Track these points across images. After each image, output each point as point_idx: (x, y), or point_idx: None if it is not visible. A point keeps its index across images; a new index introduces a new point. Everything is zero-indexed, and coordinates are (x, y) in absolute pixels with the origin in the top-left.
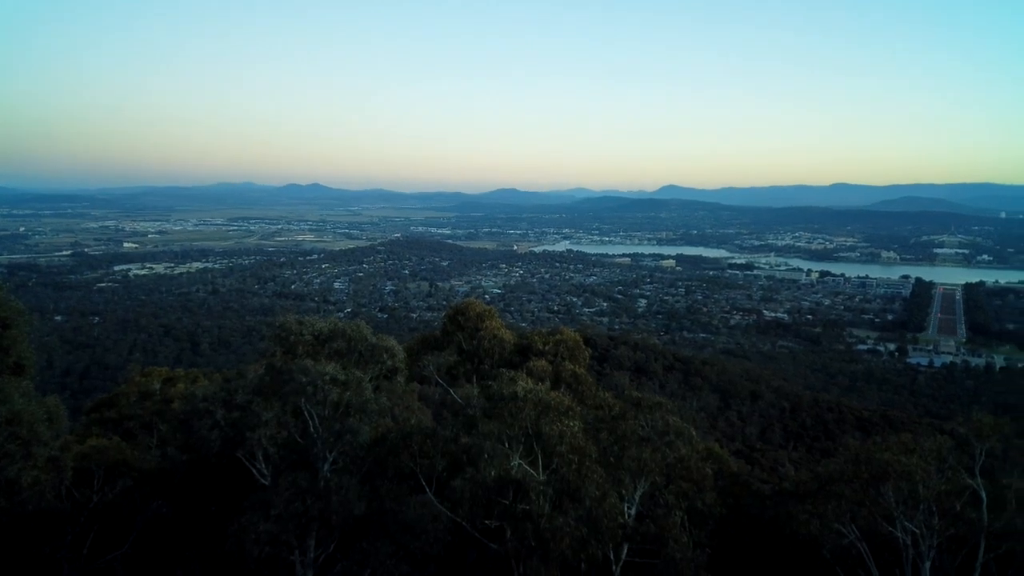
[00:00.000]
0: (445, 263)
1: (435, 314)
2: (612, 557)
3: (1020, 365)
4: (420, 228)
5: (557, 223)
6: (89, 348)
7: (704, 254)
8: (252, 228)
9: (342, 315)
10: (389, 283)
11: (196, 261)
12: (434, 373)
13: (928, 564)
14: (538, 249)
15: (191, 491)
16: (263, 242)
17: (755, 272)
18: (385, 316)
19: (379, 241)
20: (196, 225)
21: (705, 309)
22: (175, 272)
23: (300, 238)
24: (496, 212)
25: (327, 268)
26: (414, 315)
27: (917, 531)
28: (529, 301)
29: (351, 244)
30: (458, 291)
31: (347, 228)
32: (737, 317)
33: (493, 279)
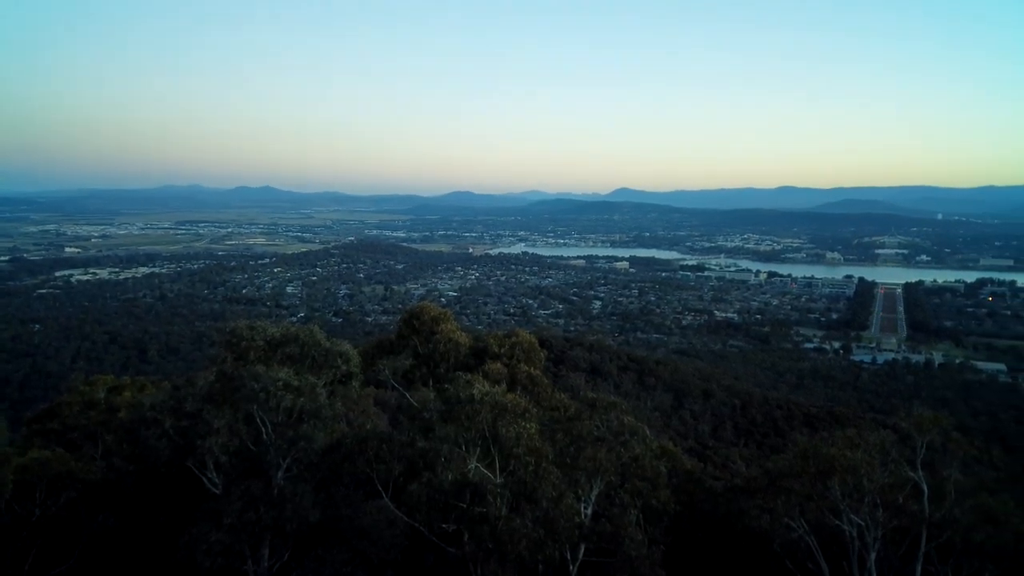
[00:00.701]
0: (400, 266)
1: (390, 318)
2: (569, 557)
3: (957, 361)
4: (374, 231)
5: (512, 225)
6: (29, 357)
7: (657, 256)
8: (201, 231)
9: (295, 320)
10: (343, 287)
11: (142, 266)
12: (389, 377)
13: (873, 555)
14: (494, 251)
15: (139, 502)
16: (213, 246)
17: (706, 273)
18: (340, 320)
19: (333, 244)
20: (142, 229)
21: (658, 310)
22: (120, 277)
23: (251, 241)
24: (451, 215)
25: (279, 272)
26: (369, 319)
27: (863, 523)
28: (485, 304)
29: (304, 247)
30: (413, 294)
31: (299, 231)
32: (689, 318)
33: (449, 282)
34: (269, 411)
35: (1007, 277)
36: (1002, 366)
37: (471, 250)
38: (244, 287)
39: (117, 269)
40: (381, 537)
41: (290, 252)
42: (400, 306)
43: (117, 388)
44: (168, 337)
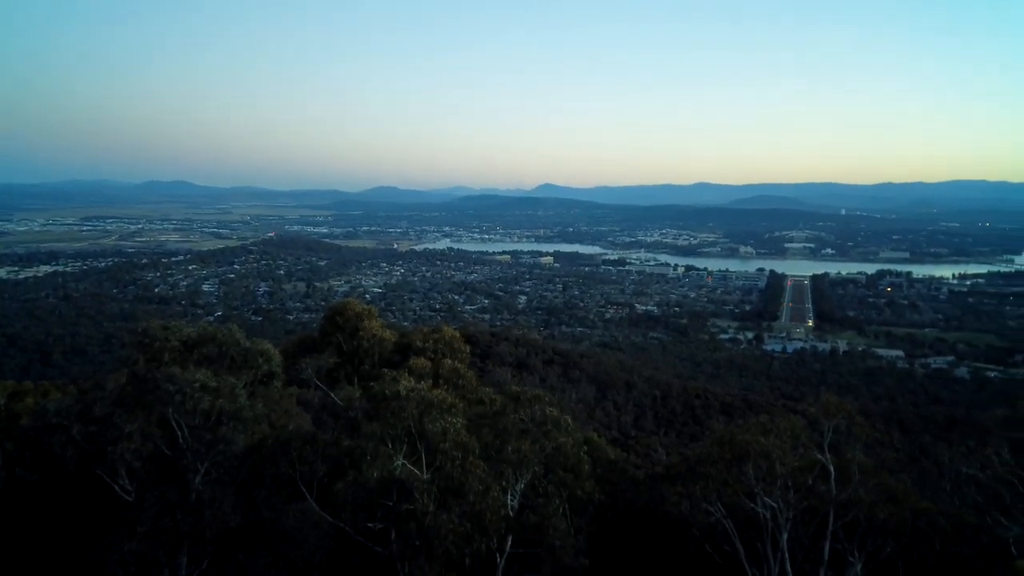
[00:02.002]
0: (323, 263)
1: (313, 315)
2: (496, 550)
3: (860, 349)
4: (295, 227)
5: (438, 221)
6: None
7: (580, 251)
8: (109, 228)
9: (212, 319)
10: (263, 284)
11: (44, 264)
12: (312, 376)
13: (786, 536)
14: (419, 247)
15: (45, 514)
16: (122, 242)
17: (627, 268)
18: (260, 319)
19: (251, 240)
20: (44, 225)
21: (582, 304)
22: (19, 277)
23: (164, 238)
24: (376, 210)
25: (195, 269)
26: (291, 317)
27: (775, 505)
28: (411, 300)
29: (221, 244)
30: (337, 291)
31: (216, 227)
32: (612, 311)
33: (373, 278)
34: (185, 414)
35: (904, 269)
36: (900, 352)
37: (396, 246)
38: (157, 286)
39: (16, 268)
40: (305, 539)
41: (206, 249)
42: (323, 303)
43: (18, 394)
44: (74, 339)
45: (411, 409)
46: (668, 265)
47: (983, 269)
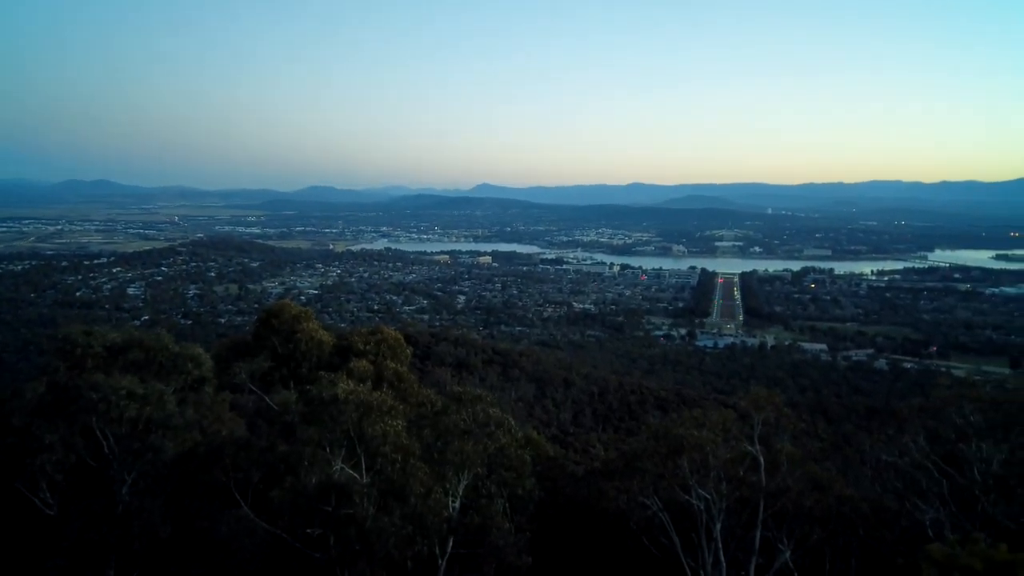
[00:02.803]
0: (256, 264)
1: (246, 318)
2: (438, 552)
3: (786, 343)
4: (226, 227)
5: (375, 221)
6: None
7: (518, 250)
8: (26, 229)
9: (139, 323)
10: (193, 287)
11: None
12: (246, 380)
13: (719, 526)
14: (356, 248)
15: None
16: (40, 244)
17: (564, 267)
18: (189, 322)
19: (180, 241)
20: None
21: (520, 303)
22: None
23: (85, 239)
24: (310, 210)
25: (119, 272)
26: (222, 320)
27: (709, 497)
28: (348, 301)
29: (147, 245)
30: (271, 293)
31: (142, 228)
32: (550, 310)
33: (309, 279)
34: (111, 422)
35: (826, 266)
36: (824, 346)
37: (332, 246)
38: (78, 289)
39: None
40: (241, 548)
41: (131, 250)
42: (256, 306)
43: None
44: None
45: (350, 412)
46: (604, 264)
47: (899, 265)
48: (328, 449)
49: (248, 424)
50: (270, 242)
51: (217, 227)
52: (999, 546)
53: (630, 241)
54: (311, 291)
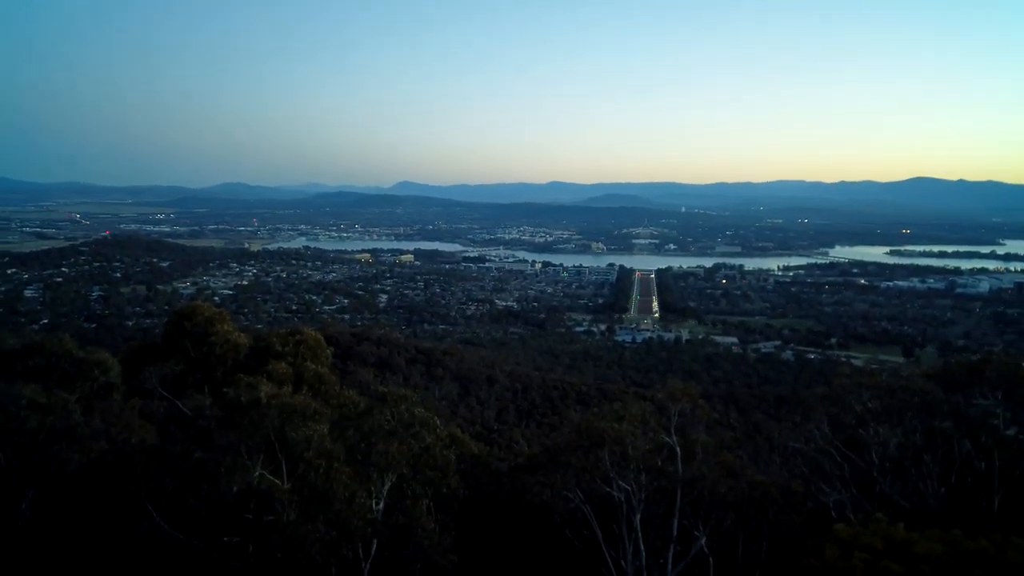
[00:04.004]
0: (165, 264)
1: (156, 321)
2: (362, 555)
3: (700, 337)
4: (133, 225)
5: (292, 219)
6: None
7: (440, 248)
8: None
9: (38, 327)
10: (97, 288)
11: None
12: (158, 386)
13: (639, 516)
14: (273, 246)
15: None
16: None
17: (487, 264)
18: (94, 326)
19: (82, 240)
20: None
21: (443, 301)
22: None
23: None
24: (223, 207)
25: (14, 273)
26: (130, 323)
27: (629, 488)
28: (265, 302)
29: (45, 244)
30: (183, 294)
31: (39, 226)
32: (473, 308)
33: (223, 279)
34: (10, 434)
35: (736, 262)
36: (735, 339)
37: (247, 245)
38: None
39: None
40: (153, 561)
41: (27, 250)
42: (167, 308)
43: None
44: None
45: (271, 417)
46: (526, 262)
47: (803, 261)
48: (247, 455)
49: (160, 432)
50: (181, 241)
51: (123, 225)
52: (897, 525)
53: (551, 239)
54: (225, 291)
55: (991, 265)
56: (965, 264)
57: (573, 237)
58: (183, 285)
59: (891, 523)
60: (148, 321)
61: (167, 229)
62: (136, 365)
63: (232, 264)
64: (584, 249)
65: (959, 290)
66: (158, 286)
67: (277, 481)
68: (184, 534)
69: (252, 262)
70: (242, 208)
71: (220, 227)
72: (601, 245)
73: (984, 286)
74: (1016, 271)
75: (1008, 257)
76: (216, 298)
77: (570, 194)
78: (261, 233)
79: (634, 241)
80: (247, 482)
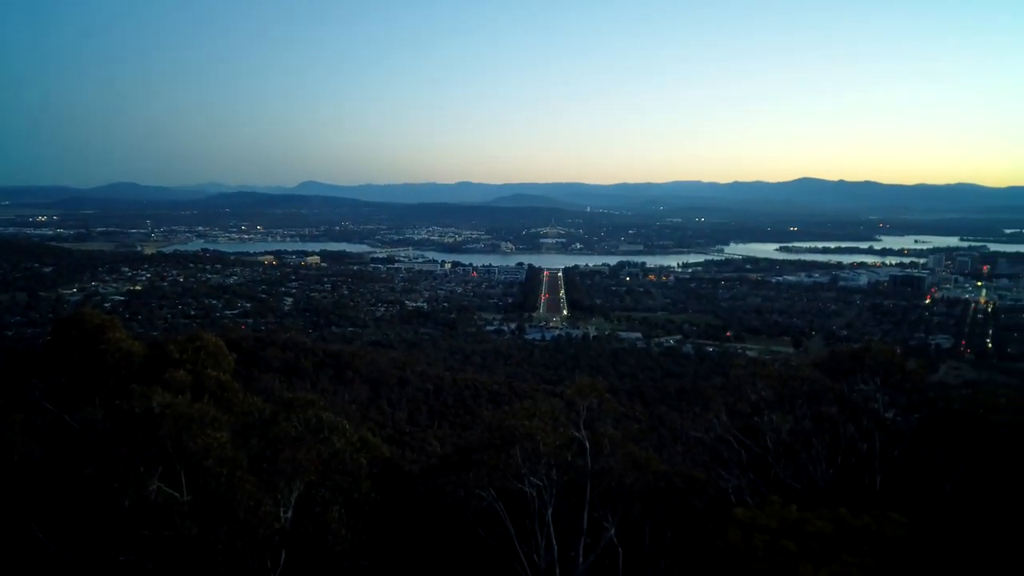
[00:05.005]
0: (48, 269)
1: (39, 330)
2: (270, 565)
3: (607, 333)
4: (11, 228)
5: (189, 220)
6: None
7: (348, 249)
8: None
9: None
10: None
11: None
12: (42, 399)
13: (550, 510)
14: (168, 249)
15: None
16: None
17: (396, 265)
18: None
19: None
20: None
21: (352, 303)
22: None
23: None
24: (114, 208)
25: None
26: (9, 333)
27: (540, 484)
28: (161, 307)
29: None
30: (69, 301)
31: None
32: (382, 309)
33: (114, 285)
34: None
35: (639, 260)
36: (639, 334)
37: (140, 248)
38: None
39: None
40: None
41: None
42: (52, 316)
43: None
44: None
45: (168, 427)
46: (436, 262)
47: (701, 258)
48: (143, 468)
49: (45, 448)
50: (66, 244)
51: None
52: (790, 506)
53: (460, 239)
54: (117, 297)
55: (869, 260)
56: (847, 259)
57: (482, 237)
58: (69, 291)
59: (785, 505)
60: (31, 331)
61: (50, 232)
62: (17, 378)
63: (124, 268)
64: (493, 249)
65: (841, 284)
66: (41, 293)
67: (176, 494)
68: (74, 555)
69: (146, 266)
70: (134, 209)
71: (110, 229)
72: (510, 245)
73: (863, 279)
74: (891, 265)
75: (884, 252)
76: (107, 304)
77: (479, 194)
78: (155, 235)
79: (542, 240)
80: (143, 496)
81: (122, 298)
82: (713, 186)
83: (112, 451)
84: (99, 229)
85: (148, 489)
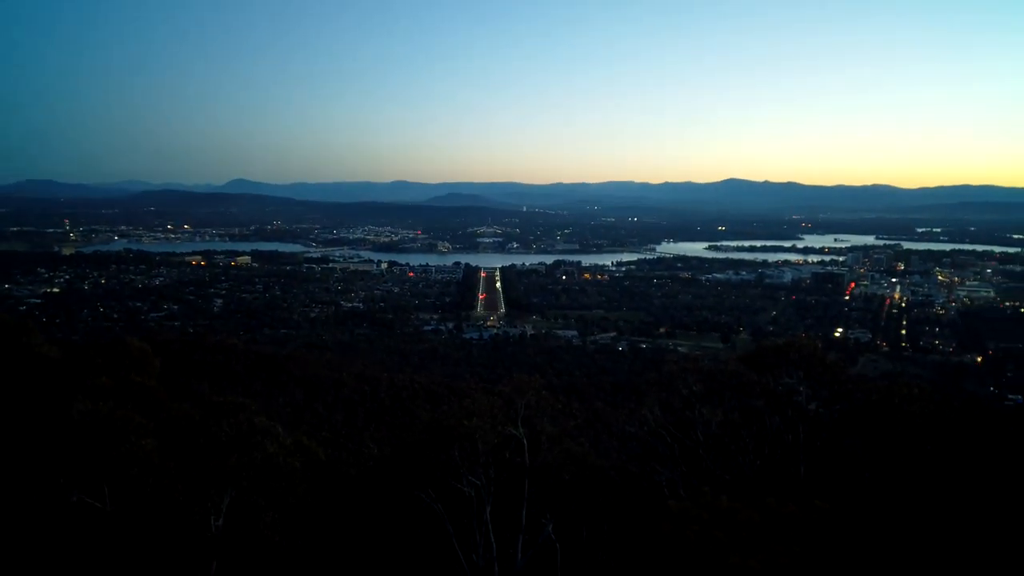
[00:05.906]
0: None
1: None
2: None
3: (544, 331)
4: None
5: (111, 219)
6: None
7: (280, 249)
8: None
9: None
10: None
11: None
12: None
13: (489, 508)
14: (88, 249)
15: None
16: None
17: (331, 265)
18: None
19: None
20: None
21: (285, 304)
22: None
23: None
24: (27, 207)
25: None
26: None
27: (479, 483)
28: (81, 310)
29: None
30: None
31: None
32: (317, 310)
33: (29, 287)
34: None
35: (575, 259)
36: (575, 332)
37: (58, 248)
38: None
39: None
40: None
41: None
42: None
43: None
44: None
45: (88, 435)
46: (372, 262)
47: (634, 257)
48: (62, 479)
49: None
50: None
51: None
52: (721, 497)
53: (396, 238)
54: (33, 300)
55: (793, 258)
56: (772, 257)
57: (419, 236)
58: None
59: (716, 496)
60: None
61: None
62: None
63: (40, 270)
64: (430, 248)
65: (767, 281)
66: None
67: (98, 504)
68: None
69: (64, 267)
70: (51, 208)
71: (24, 229)
72: (447, 244)
73: (787, 277)
74: (813, 263)
75: (806, 251)
76: (22, 308)
77: (414, 193)
78: (74, 235)
79: (479, 240)
80: (62, 509)
81: (38, 301)
82: (645, 186)
83: (27, 463)
84: (12, 228)
85: (68, 501)
